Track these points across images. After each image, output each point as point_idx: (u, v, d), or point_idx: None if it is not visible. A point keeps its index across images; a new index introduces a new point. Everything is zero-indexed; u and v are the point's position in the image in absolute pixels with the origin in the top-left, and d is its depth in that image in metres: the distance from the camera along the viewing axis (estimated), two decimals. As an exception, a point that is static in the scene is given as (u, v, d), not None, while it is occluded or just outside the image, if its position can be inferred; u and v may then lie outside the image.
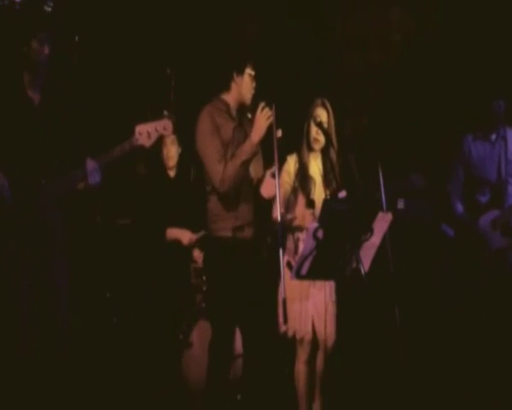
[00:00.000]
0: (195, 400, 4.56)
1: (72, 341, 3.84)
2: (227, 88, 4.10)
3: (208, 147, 3.98)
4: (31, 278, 3.65)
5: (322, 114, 4.27)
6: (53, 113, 3.78)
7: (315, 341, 4.19)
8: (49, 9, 4.65)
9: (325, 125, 4.23)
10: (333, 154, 4.28)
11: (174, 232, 4.97)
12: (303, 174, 4.28)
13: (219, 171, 3.93)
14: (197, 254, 5.07)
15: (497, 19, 5.51)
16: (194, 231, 4.92)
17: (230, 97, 4.10)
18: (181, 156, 5.15)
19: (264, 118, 3.88)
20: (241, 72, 4.06)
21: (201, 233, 4.76)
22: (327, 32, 6.16)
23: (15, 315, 3.62)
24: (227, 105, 4.10)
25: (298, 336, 4.17)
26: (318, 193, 4.27)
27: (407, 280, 4.86)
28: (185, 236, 4.94)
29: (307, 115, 4.31)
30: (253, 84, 4.07)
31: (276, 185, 3.78)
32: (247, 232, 4.07)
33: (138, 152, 3.83)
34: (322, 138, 4.27)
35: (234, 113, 4.12)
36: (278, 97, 4.04)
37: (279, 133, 3.93)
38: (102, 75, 5.51)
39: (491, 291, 4.66)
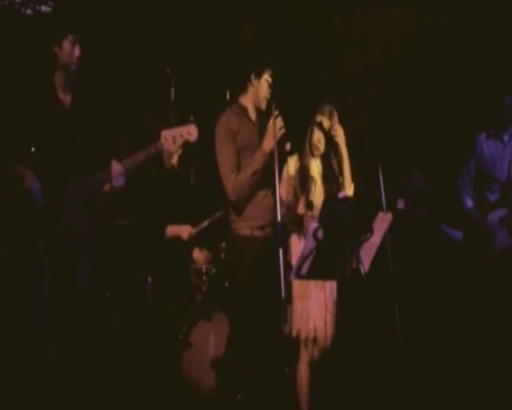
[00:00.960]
0: (195, 400, 4.56)
1: (72, 341, 3.85)
2: (244, 90, 4.16)
3: (222, 156, 4.08)
4: (55, 279, 3.67)
5: (325, 123, 4.24)
6: (83, 115, 3.83)
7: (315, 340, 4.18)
8: (49, 9, 4.66)
9: (328, 130, 4.22)
10: (334, 159, 4.26)
11: (174, 229, 4.99)
12: (303, 175, 4.27)
13: (231, 180, 4.03)
14: (197, 255, 5.08)
15: (496, 19, 5.51)
16: (194, 225, 4.94)
17: (248, 100, 4.17)
18: (181, 156, 5.15)
19: (276, 128, 3.95)
20: (258, 75, 4.11)
21: (201, 225, 4.79)
22: (327, 33, 6.16)
23: (37, 318, 3.65)
24: (245, 108, 4.17)
25: (303, 336, 4.15)
26: (318, 194, 4.27)
27: (407, 280, 4.86)
28: (185, 231, 4.95)
29: (311, 120, 4.28)
30: (270, 91, 4.11)
31: (277, 185, 3.81)
32: (268, 232, 4.15)
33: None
34: (322, 146, 4.28)
35: (253, 115, 4.19)
36: (278, 97, 4.05)
37: (288, 146, 3.99)
38: (102, 75, 5.51)
39: (494, 289, 4.67)
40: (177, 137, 3.74)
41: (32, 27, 5.00)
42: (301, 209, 4.28)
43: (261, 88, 4.12)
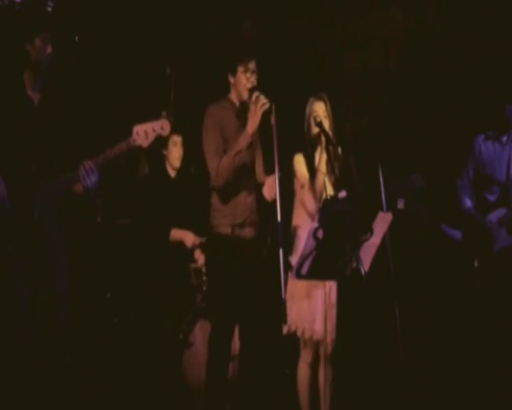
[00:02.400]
0: (196, 400, 4.57)
1: (72, 341, 3.84)
2: (228, 90, 4.20)
3: (208, 142, 4.09)
4: (30, 282, 3.62)
5: (319, 108, 4.22)
6: (52, 113, 3.76)
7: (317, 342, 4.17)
8: (50, 9, 4.65)
9: (324, 118, 4.20)
10: (332, 151, 4.21)
11: (178, 234, 4.99)
12: (311, 172, 4.23)
13: (215, 164, 4.03)
14: (198, 255, 5.08)
15: (497, 19, 5.51)
16: (197, 231, 4.94)
17: (233, 97, 4.21)
18: (182, 157, 5.17)
19: (257, 107, 3.95)
20: (233, 72, 4.14)
21: (205, 238, 4.79)
22: (327, 32, 6.16)
23: (14, 320, 3.60)
24: (232, 103, 4.20)
25: (306, 336, 4.14)
26: (328, 190, 4.23)
27: (407, 280, 4.86)
28: (189, 238, 4.97)
29: (306, 114, 4.26)
30: (250, 80, 4.11)
31: (277, 185, 3.80)
32: (248, 231, 4.12)
33: (137, 152, 3.83)
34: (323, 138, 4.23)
35: (239, 111, 4.20)
36: (278, 97, 4.05)
37: (272, 119, 3.93)
38: (102, 75, 5.51)
39: (494, 289, 4.67)
40: (149, 132, 3.67)
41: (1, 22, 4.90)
42: (311, 206, 4.23)
43: (239, 82, 4.13)
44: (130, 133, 3.67)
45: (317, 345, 4.16)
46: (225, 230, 4.07)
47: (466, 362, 4.71)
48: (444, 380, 4.74)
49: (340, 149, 4.25)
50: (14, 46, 3.69)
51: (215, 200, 4.13)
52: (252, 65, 4.13)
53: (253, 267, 4.11)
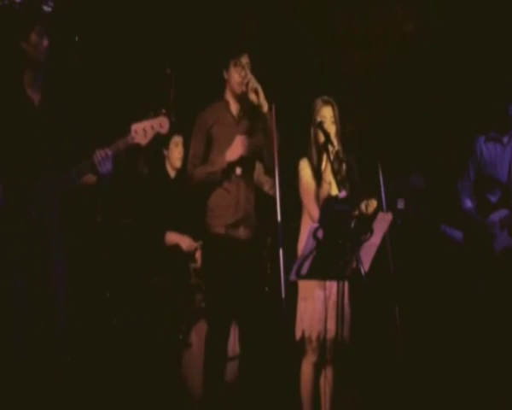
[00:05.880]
0: (195, 400, 4.56)
1: (72, 341, 3.83)
2: (224, 88, 4.25)
3: (190, 146, 4.25)
4: (26, 282, 3.60)
5: (327, 113, 4.17)
6: (52, 112, 3.74)
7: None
8: (49, 9, 4.64)
9: (332, 123, 4.17)
10: (332, 150, 4.16)
11: (174, 237, 4.98)
12: (317, 179, 4.19)
13: (189, 168, 4.20)
14: (198, 255, 5.07)
15: (497, 19, 5.50)
16: (194, 234, 4.93)
17: (228, 95, 4.25)
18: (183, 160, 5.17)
19: (241, 143, 4.07)
20: (227, 68, 4.19)
21: (201, 242, 4.79)
22: (327, 32, 6.16)
23: (10, 319, 3.59)
24: (227, 103, 4.24)
25: (313, 336, 4.12)
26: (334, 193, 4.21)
27: (407, 280, 4.86)
28: (185, 242, 4.96)
29: (311, 118, 4.19)
30: (242, 74, 4.14)
31: (277, 186, 3.81)
32: (243, 232, 4.15)
33: (136, 151, 3.82)
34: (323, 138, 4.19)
35: (234, 109, 4.24)
36: (278, 97, 4.05)
37: (238, 171, 4.13)
38: (102, 75, 5.51)
39: (495, 290, 4.67)
40: (147, 130, 3.64)
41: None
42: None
43: (232, 76, 4.18)
44: (128, 131, 3.65)
45: (323, 345, 4.15)
46: (219, 230, 4.13)
47: (466, 362, 4.70)
48: (444, 380, 4.74)
49: (341, 151, 4.22)
50: (10, 45, 3.67)
51: (210, 200, 4.18)
52: (244, 59, 4.16)
53: (247, 268, 4.12)
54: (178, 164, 5.15)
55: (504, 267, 4.69)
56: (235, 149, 4.08)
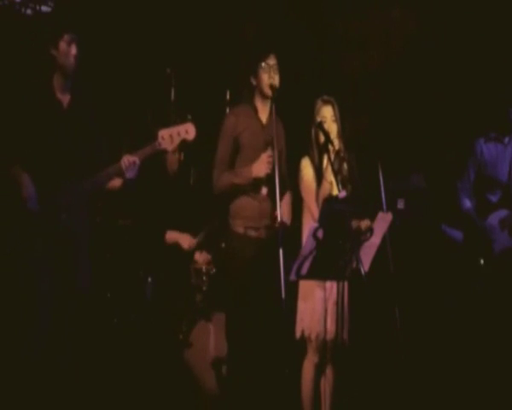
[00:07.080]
0: (195, 400, 4.56)
1: (71, 341, 3.85)
2: (252, 94, 4.22)
3: (217, 149, 4.18)
4: (53, 285, 3.67)
5: (327, 112, 4.18)
6: (81, 115, 3.84)
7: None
8: (49, 9, 4.66)
9: (332, 122, 4.17)
10: (332, 150, 4.16)
11: (174, 236, 4.98)
12: (318, 179, 4.19)
13: (214, 175, 4.15)
14: (198, 255, 5.07)
15: (497, 19, 5.50)
16: (193, 233, 4.93)
17: (257, 100, 4.22)
18: (182, 161, 5.17)
19: (266, 161, 4.02)
20: (255, 73, 4.16)
21: (201, 236, 4.79)
22: (327, 32, 6.16)
23: (32, 320, 3.65)
24: (255, 108, 4.22)
25: (313, 336, 4.12)
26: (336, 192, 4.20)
27: (407, 280, 4.86)
28: (185, 240, 4.96)
29: (312, 119, 4.19)
30: (271, 74, 4.13)
31: (277, 186, 3.81)
32: (262, 232, 4.17)
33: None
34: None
35: (263, 115, 4.22)
36: (278, 97, 4.04)
37: (264, 191, 4.13)
38: (102, 75, 5.51)
39: (495, 290, 4.67)
40: (174, 137, 3.72)
41: (31, 28, 5.02)
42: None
43: (262, 79, 4.14)
44: (155, 137, 3.70)
45: (325, 345, 4.14)
46: (239, 230, 4.16)
47: (466, 363, 4.70)
48: (444, 380, 4.73)
49: (342, 150, 4.21)
50: (41, 52, 3.80)
51: (235, 203, 4.18)
52: (271, 61, 4.15)
53: (264, 266, 4.11)
54: (177, 165, 5.13)
55: (504, 268, 4.69)
56: (261, 164, 4.04)
